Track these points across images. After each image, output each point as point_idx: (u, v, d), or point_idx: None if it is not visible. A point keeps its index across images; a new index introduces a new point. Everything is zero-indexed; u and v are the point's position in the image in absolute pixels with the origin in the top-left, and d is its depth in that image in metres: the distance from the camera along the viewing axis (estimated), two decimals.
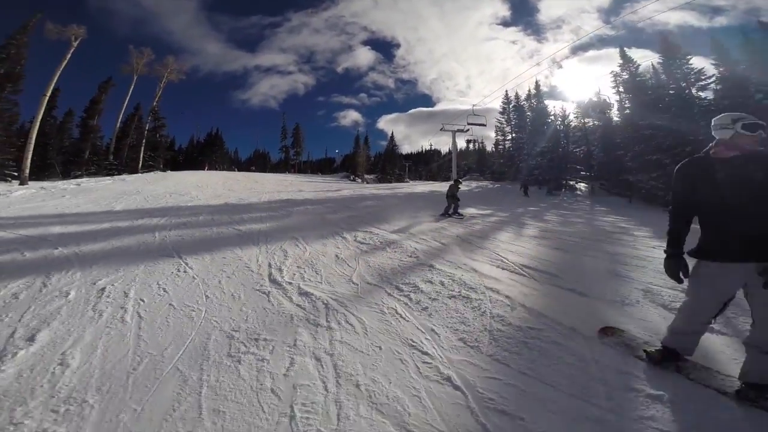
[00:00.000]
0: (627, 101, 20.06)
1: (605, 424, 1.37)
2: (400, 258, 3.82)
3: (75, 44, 18.41)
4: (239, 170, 33.51)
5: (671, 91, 17.76)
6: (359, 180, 28.97)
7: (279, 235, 4.81)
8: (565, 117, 23.04)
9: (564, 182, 20.56)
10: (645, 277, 3.16)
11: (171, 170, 23.13)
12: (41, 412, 1.41)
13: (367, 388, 1.60)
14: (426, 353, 1.88)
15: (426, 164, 43.36)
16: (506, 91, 30.20)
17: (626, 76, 20.29)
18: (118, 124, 23.53)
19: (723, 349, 1.88)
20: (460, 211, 7.98)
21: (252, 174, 26.51)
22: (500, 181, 25.28)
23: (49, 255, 3.56)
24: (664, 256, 1.65)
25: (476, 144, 39.60)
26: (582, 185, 20.79)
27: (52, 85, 17.72)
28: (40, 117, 16.82)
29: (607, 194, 18.65)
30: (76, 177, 18.66)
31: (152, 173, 20.01)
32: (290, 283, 2.93)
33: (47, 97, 17.42)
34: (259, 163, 41.65)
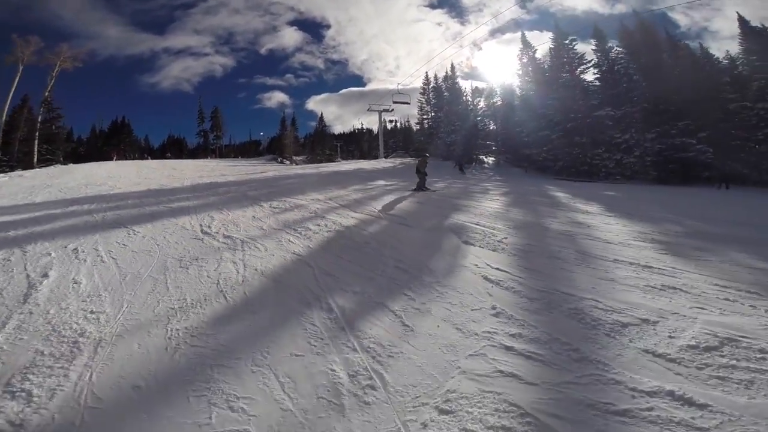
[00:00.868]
0: (527, 82, 23.43)
1: (376, 280, 3.05)
2: (302, 214, 5.33)
3: None
4: (153, 158, 31.60)
5: (564, 74, 21.32)
6: (287, 162, 29.48)
7: (206, 208, 6.00)
8: (475, 97, 26.10)
9: (474, 156, 23.52)
10: (462, 216, 5.07)
11: (73, 163, 21.64)
12: (76, 302, 2.68)
13: (262, 269, 3.13)
14: (299, 254, 3.46)
15: (357, 144, 44.83)
16: (426, 72, 32.50)
17: (525, 60, 23.63)
18: (4, 117, 21.19)
19: None
20: (427, 185, 8.98)
21: (168, 161, 25.52)
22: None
23: (8, 236, 4.40)
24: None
25: (403, 123, 42.05)
26: (490, 159, 24.02)
27: None
28: None
29: (510, 166, 21.96)
30: None
31: (53, 167, 18.67)
32: (217, 233, 4.32)
33: None
34: (174, 149, 39.44)
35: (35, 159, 21.03)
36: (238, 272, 3.08)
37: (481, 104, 25.90)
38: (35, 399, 1.61)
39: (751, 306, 2.33)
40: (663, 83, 16.69)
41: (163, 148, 41.58)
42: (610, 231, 4.40)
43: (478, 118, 25.59)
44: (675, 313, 2.22)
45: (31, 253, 3.70)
